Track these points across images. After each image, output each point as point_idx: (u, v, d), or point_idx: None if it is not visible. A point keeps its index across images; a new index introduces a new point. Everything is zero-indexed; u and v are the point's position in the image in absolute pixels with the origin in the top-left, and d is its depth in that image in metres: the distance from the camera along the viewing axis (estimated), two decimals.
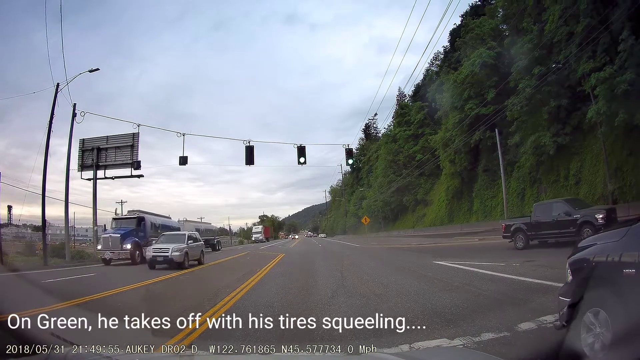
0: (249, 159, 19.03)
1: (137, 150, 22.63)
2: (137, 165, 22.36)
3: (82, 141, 25.37)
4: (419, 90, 57.81)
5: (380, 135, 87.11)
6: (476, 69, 33.35)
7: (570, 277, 3.51)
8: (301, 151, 19.46)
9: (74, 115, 23.14)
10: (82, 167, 24.80)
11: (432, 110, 50.43)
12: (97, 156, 23.89)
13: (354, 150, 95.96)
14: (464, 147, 35.68)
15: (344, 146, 20.38)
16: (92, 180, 24.72)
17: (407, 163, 49.01)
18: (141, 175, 23.46)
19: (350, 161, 20.28)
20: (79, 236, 78.32)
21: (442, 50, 58.38)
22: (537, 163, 29.84)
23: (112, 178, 24.03)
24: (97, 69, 23.45)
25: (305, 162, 19.49)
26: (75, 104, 23.38)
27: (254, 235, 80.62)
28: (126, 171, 23.52)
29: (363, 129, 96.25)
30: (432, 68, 60.97)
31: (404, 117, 53.51)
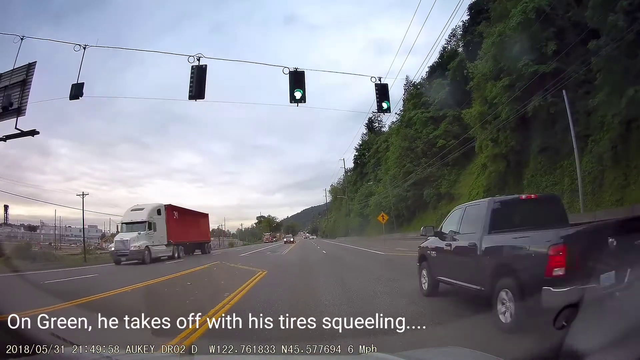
0: (198, 89, 10.26)
1: (29, 89, 13.34)
2: (8, 105, 12.89)
3: None
4: (435, 71, 49.27)
5: (385, 129, 78.91)
6: (531, 15, 24.76)
7: (420, 255, 8.51)
8: (297, 80, 10.70)
9: None
10: None
11: (454, 89, 41.95)
12: None
13: (360, 142, 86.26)
14: (509, 123, 27.06)
15: (373, 80, 11.40)
16: None
17: (426, 150, 40.35)
18: (35, 132, 14.12)
19: (385, 105, 11.20)
20: (72, 236, 73.03)
21: (460, 24, 50.10)
22: (626, 132, 21.26)
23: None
24: None
25: (303, 100, 10.72)
26: None
27: (114, 243, 25.91)
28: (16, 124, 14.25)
29: (366, 124, 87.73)
30: (448, 46, 52.63)
31: (421, 98, 44.92)
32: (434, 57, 53.89)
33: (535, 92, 25.38)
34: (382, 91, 11.52)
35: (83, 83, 11.36)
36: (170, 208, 28.97)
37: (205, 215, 37.63)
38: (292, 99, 10.74)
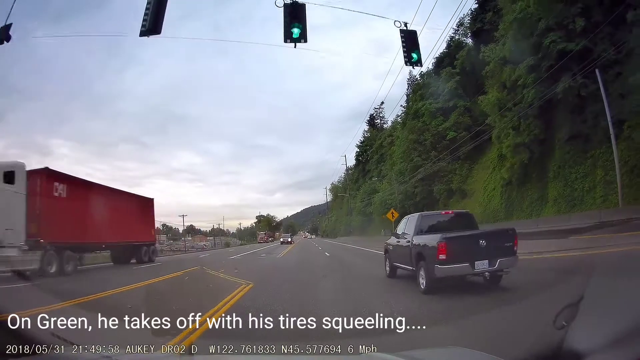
0: (154, 21, 7.42)
1: None
2: None
3: None
4: (442, 61, 46.69)
5: (387, 126, 76.46)
6: None
7: (384, 249, 11.28)
8: (295, 13, 7.92)
9: None
10: None
11: (465, 79, 39.50)
12: None
13: (363, 135, 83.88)
14: (532, 109, 24.55)
15: (398, 25, 8.55)
16: None
17: (436, 143, 37.77)
18: None
19: (415, 56, 8.51)
20: None
21: (468, 12, 47.50)
22: None
23: None
24: None
25: (303, 39, 7.82)
26: None
27: None
28: None
29: (367, 120, 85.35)
30: (456, 36, 50.03)
31: (428, 89, 42.37)
32: (441, 48, 51.48)
33: (562, 73, 22.91)
34: (410, 39, 8.87)
35: (10, 24, 8.79)
36: (45, 176, 15.95)
37: (146, 202, 24.78)
38: (288, 37, 8.02)
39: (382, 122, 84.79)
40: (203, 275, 13.22)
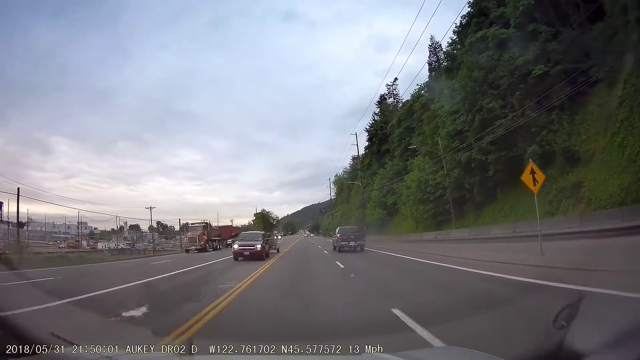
0: None
1: None
2: None
3: None
4: None
5: (400, 105, 63.78)
6: None
7: (332, 240, 33.31)
8: None
9: None
10: None
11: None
12: None
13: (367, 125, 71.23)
14: None
15: None
16: None
17: (517, 84, 24.75)
18: None
19: None
20: (60, 233, 75.29)
21: None
22: None
23: None
24: None
25: None
26: None
27: None
28: None
29: (377, 102, 72.84)
30: None
31: (489, 15, 29.37)
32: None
33: None
34: None
35: None
36: None
37: None
38: None
39: (396, 100, 72.43)
40: None
